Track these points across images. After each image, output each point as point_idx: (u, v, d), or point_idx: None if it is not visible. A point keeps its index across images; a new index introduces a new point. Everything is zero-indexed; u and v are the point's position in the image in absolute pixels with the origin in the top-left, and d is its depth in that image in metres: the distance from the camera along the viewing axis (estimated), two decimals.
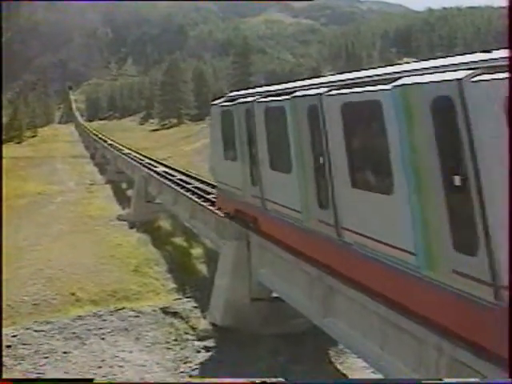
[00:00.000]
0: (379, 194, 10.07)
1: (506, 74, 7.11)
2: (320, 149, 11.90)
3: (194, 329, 19.27)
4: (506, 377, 7.12)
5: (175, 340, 18.65)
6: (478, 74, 7.63)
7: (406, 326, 9.83)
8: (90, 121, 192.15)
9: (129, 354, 17.77)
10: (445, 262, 8.46)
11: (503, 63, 7.35)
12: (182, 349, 18.02)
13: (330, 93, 11.44)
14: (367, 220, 10.61)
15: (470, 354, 8.30)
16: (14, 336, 18.60)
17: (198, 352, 17.59)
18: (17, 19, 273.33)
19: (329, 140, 11.51)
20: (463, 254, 8.07)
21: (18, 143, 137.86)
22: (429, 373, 9.19)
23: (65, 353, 17.74)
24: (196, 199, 24.97)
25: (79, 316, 20.35)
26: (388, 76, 9.69)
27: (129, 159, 51.79)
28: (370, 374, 14.76)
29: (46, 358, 17.41)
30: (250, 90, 17.53)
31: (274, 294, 17.58)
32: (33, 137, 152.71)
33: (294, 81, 14.52)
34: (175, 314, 20.59)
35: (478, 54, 8.33)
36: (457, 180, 7.98)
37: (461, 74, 7.81)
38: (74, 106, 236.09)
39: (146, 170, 40.50)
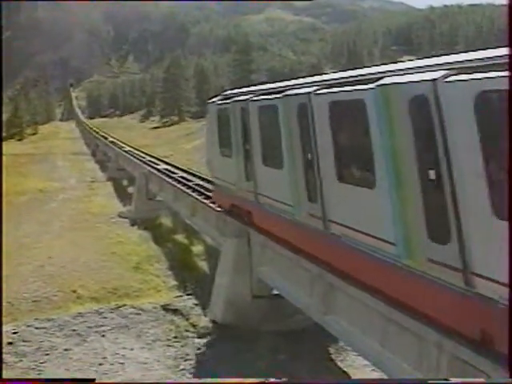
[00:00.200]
0: (363, 188, 10.58)
1: (477, 75, 7.59)
2: (309, 145, 12.43)
3: (194, 326, 19.27)
4: (506, 377, 7.16)
5: (176, 337, 18.66)
6: (452, 75, 8.11)
7: (406, 323, 9.83)
8: (91, 118, 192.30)
9: (129, 351, 17.77)
10: (421, 251, 9.01)
11: (477, 64, 7.83)
12: (182, 346, 18.02)
13: (319, 92, 11.94)
14: (352, 213, 11.18)
15: (471, 351, 8.35)
16: (15, 333, 18.59)
17: (199, 349, 17.59)
18: (18, 17, 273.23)
19: (317, 137, 12.03)
20: (437, 243, 8.61)
21: (19, 140, 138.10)
22: (430, 370, 9.19)
23: (65, 350, 17.73)
24: (197, 196, 24.97)
25: (80, 313, 20.33)
26: (372, 76, 10.13)
27: (130, 156, 51.80)
28: (370, 372, 14.80)
29: (47, 355, 17.41)
30: (245, 89, 17.96)
31: (275, 292, 17.58)
32: (34, 134, 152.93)
33: (289, 79, 14.87)
34: (176, 312, 20.59)
35: (456, 55, 8.78)
36: (431, 175, 8.48)
37: (436, 75, 8.31)
38: (74, 103, 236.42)
39: (147, 167, 40.52)
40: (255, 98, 15.89)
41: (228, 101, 18.12)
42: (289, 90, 13.58)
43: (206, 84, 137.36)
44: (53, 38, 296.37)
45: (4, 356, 16.81)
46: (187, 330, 19.04)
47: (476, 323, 8.27)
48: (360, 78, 10.74)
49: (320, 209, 12.26)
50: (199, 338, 18.34)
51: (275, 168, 14.69)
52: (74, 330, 19.09)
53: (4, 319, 19.02)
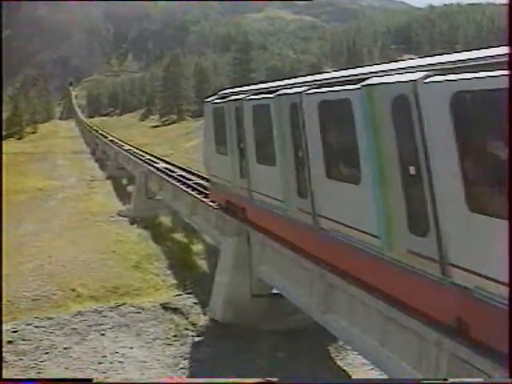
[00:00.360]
0: (349, 184, 11.12)
1: (452, 76, 8.05)
2: (300, 143, 12.97)
3: (194, 325, 19.29)
4: (506, 377, 7.20)
5: (175, 336, 18.68)
6: (431, 76, 8.56)
7: (405, 322, 9.85)
8: (91, 117, 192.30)
9: (129, 349, 17.79)
10: (401, 243, 9.49)
11: (456, 65, 8.28)
12: (182, 345, 18.04)
13: (309, 91, 12.46)
14: (339, 208, 11.74)
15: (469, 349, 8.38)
16: (15, 332, 18.61)
17: (198, 348, 17.60)
18: (18, 15, 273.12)
19: (307, 135, 12.57)
20: (416, 235, 9.09)
21: (19, 139, 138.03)
22: (429, 369, 9.21)
23: (65, 349, 17.76)
24: (196, 195, 24.98)
25: (80, 312, 20.35)
26: (359, 76, 10.58)
27: (129, 155, 51.80)
28: (369, 371, 14.82)
29: (47, 353, 17.43)
30: (240, 88, 18.57)
31: (275, 291, 17.59)
32: (33, 133, 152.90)
33: (288, 78, 15.23)
34: (175, 310, 20.61)
35: (439, 56, 9.26)
36: (411, 171, 8.97)
37: (416, 76, 8.79)
38: (74, 101, 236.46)
39: (147, 166, 40.52)
40: (249, 98, 16.38)
41: (223, 100, 18.68)
42: (281, 89, 14.03)
43: (206, 83, 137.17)
44: (52, 36, 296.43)
45: (4, 355, 16.85)
46: (187, 329, 19.06)
47: (452, 311, 8.74)
48: (348, 78, 11.18)
49: (310, 204, 12.76)
50: (199, 336, 18.37)
51: (268, 165, 15.21)
52: (74, 329, 19.11)
53: (4, 318, 19.05)
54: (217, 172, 20.44)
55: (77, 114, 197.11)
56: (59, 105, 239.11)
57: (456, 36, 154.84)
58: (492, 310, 7.78)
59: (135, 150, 59.90)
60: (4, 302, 20.56)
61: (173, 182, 30.70)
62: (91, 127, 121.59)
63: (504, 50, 7.49)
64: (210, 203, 22.19)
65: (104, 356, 17.29)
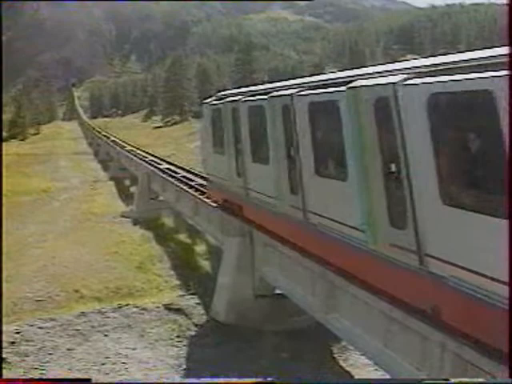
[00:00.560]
0: (336, 181, 11.68)
1: (428, 79, 8.60)
2: (292, 142, 13.54)
3: (197, 325, 19.29)
4: (506, 377, 7.25)
5: (178, 337, 18.68)
6: (410, 78, 9.07)
7: (409, 322, 9.86)
8: (94, 118, 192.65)
9: (132, 350, 17.79)
10: (384, 236, 9.99)
11: (434, 69, 8.80)
12: (185, 346, 18.04)
13: (300, 93, 13.04)
14: (328, 203, 12.27)
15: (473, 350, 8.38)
16: (18, 332, 18.60)
17: (202, 349, 17.61)
18: (20, 17, 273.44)
19: (298, 135, 13.12)
20: (396, 228, 9.60)
21: (22, 140, 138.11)
22: (432, 369, 9.21)
23: (68, 349, 17.76)
24: (199, 196, 24.99)
25: (83, 313, 20.34)
26: (346, 79, 11.10)
27: (132, 156, 51.84)
28: (372, 371, 14.81)
29: (50, 354, 17.43)
30: (237, 90, 19.40)
31: (278, 291, 17.61)
32: (36, 134, 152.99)
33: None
34: (179, 311, 20.60)
35: (423, 59, 10.01)
36: (392, 168, 9.49)
37: (396, 79, 9.30)
38: (77, 103, 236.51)
39: (150, 166, 40.55)
40: (245, 99, 16.88)
41: (221, 101, 19.16)
42: (274, 91, 14.57)
43: (208, 84, 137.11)
44: (55, 38, 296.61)
45: (7, 356, 16.84)
46: (190, 330, 19.06)
47: (428, 298, 9.22)
48: (336, 80, 11.71)
49: (300, 200, 13.33)
50: (202, 337, 18.37)
51: (262, 164, 15.77)
52: (77, 330, 19.11)
53: (7, 319, 19.06)
54: (215, 171, 21.00)
55: (79, 115, 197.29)
56: (62, 106, 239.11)
57: (458, 36, 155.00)
58: (464, 297, 8.27)
59: (138, 150, 59.94)
60: (7, 303, 20.57)
61: (176, 182, 30.71)
62: (94, 128, 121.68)
63: (479, 53, 8.07)
64: (209, 201, 22.55)
65: (107, 357, 17.30)
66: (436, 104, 8.48)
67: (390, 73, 9.79)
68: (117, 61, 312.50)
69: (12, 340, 17.97)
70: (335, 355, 17.14)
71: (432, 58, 9.54)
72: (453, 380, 8.18)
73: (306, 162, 12.93)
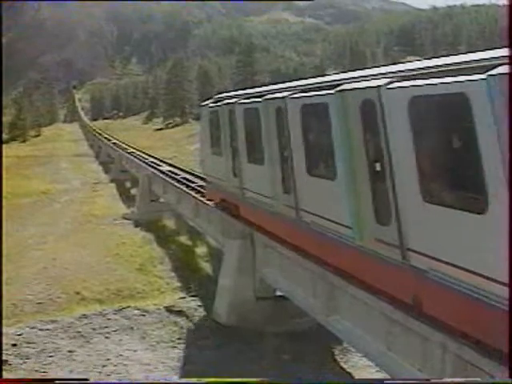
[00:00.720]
0: (326, 180, 12.29)
1: (409, 82, 9.17)
2: (285, 143, 14.23)
3: (198, 327, 19.27)
4: (506, 377, 7.24)
5: (179, 339, 18.66)
6: (393, 82, 9.62)
7: (410, 324, 9.85)
8: (95, 120, 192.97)
9: (133, 352, 17.77)
10: (370, 232, 10.61)
11: (415, 73, 9.34)
12: (186, 348, 18.02)
13: (292, 96, 13.69)
14: (318, 202, 12.98)
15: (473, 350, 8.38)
16: (19, 335, 18.59)
17: (203, 351, 17.59)
18: (21, 18, 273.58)
19: (291, 136, 13.77)
20: (381, 225, 10.21)
21: (23, 142, 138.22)
22: (434, 371, 9.19)
23: (69, 351, 17.73)
24: (200, 198, 24.99)
25: (84, 315, 20.32)
26: (336, 82, 11.71)
27: (133, 158, 51.86)
28: (373, 373, 14.78)
29: (51, 356, 17.41)
30: (234, 93, 20.05)
31: (279, 293, 17.61)
32: (37, 136, 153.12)
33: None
34: (180, 313, 20.58)
35: (408, 63, 10.74)
36: (377, 167, 10.09)
37: (380, 82, 9.87)
38: (78, 105, 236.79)
39: (150, 168, 40.56)
40: (241, 102, 17.57)
41: (218, 104, 19.95)
42: (269, 94, 15.32)
43: (210, 85, 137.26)
44: (56, 39, 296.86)
45: (8, 358, 16.83)
46: (191, 332, 19.04)
47: (410, 290, 9.79)
48: (327, 84, 12.27)
49: (293, 199, 13.99)
50: (203, 339, 18.35)
51: (257, 164, 16.51)
52: (78, 332, 19.09)
53: (8, 321, 19.05)
54: (212, 172, 21.85)
55: (80, 117, 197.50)
56: (63, 108, 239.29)
57: (459, 37, 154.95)
58: (442, 288, 8.86)
59: (139, 152, 60.00)
60: (8, 305, 20.57)
61: (176, 184, 30.72)
62: (95, 130, 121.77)
63: (461, 57, 8.61)
64: (210, 204, 22.94)
65: (108, 359, 17.28)
66: (416, 106, 8.99)
67: (376, 77, 10.34)
68: (118, 63, 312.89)
69: (13, 342, 17.95)
70: (336, 357, 17.12)
71: (415, 62, 10.32)
72: (449, 380, 8.43)
73: (298, 162, 13.55)
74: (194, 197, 25.95)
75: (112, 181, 56.85)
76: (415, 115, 9.03)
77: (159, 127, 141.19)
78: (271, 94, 15.18)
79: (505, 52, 7.61)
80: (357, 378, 16.01)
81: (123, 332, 19.25)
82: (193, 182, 30.30)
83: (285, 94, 14.11)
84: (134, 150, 62.24)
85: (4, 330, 17.79)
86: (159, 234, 32.11)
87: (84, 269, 25.13)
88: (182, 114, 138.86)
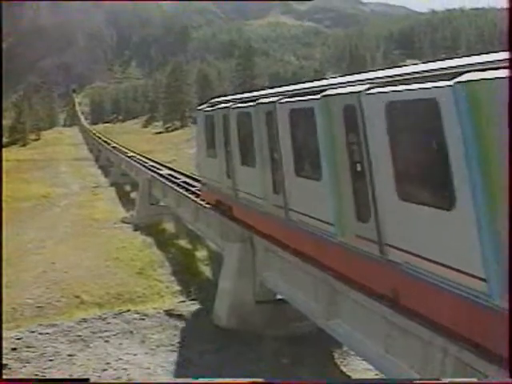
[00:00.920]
0: (312, 181, 13.00)
1: (387, 88, 9.78)
2: (275, 146, 14.92)
3: (197, 331, 19.24)
4: (506, 376, 7.28)
5: (179, 343, 18.63)
6: (372, 88, 10.23)
7: (410, 328, 9.84)
8: (94, 124, 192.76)
9: (133, 356, 17.73)
10: (350, 229, 11.31)
11: (393, 79, 9.93)
12: (186, 351, 17.99)
13: (281, 101, 14.41)
14: (305, 201, 13.72)
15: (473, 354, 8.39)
16: (19, 339, 18.55)
17: (203, 355, 17.56)
18: (20, 22, 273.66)
19: (280, 139, 14.50)
20: (361, 222, 10.87)
21: (22, 146, 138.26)
22: (433, 375, 9.18)
23: (69, 355, 17.68)
24: (200, 201, 24.97)
25: (84, 319, 20.28)
26: (323, 88, 12.39)
27: (133, 162, 51.87)
28: (373, 376, 14.76)
29: (51, 360, 17.37)
30: (228, 97, 20.86)
31: (279, 296, 17.60)
32: (37, 140, 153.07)
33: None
34: (180, 317, 20.56)
35: (384, 70, 11.17)
36: (358, 168, 10.77)
37: (361, 88, 10.52)
38: (78, 108, 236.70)
39: (150, 172, 40.57)
40: (234, 106, 18.32)
41: (213, 108, 20.79)
42: (261, 99, 15.94)
43: (209, 89, 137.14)
44: (55, 43, 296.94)
45: (8, 362, 16.80)
46: (191, 335, 19.01)
47: (388, 283, 10.39)
48: (314, 89, 12.88)
49: (282, 200, 14.71)
50: (203, 343, 18.32)
51: (249, 167, 17.26)
52: (78, 336, 19.05)
53: (8, 325, 19.03)
54: (207, 174, 22.65)
55: (80, 121, 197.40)
56: (62, 112, 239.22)
57: (458, 41, 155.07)
58: (416, 281, 9.48)
59: (138, 156, 60.00)
60: (8, 309, 20.57)
61: (176, 188, 30.72)
62: (94, 134, 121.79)
63: (435, 65, 9.25)
64: (206, 205, 23.47)
65: (108, 363, 17.24)
66: (393, 111, 9.63)
67: (358, 82, 10.98)
68: (117, 67, 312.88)
69: (13, 346, 17.93)
70: (336, 360, 17.10)
71: (395, 68, 10.80)
72: (445, 380, 8.55)
73: (286, 163, 14.27)
74: (193, 200, 25.93)
75: (112, 184, 56.94)
76: (391, 119, 9.65)
77: (159, 131, 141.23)
78: (263, 98, 15.82)
79: (477, 59, 8.34)
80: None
81: (123, 336, 19.22)
82: (192, 186, 30.27)
83: (274, 98, 14.83)
84: (133, 154, 62.23)
85: (4, 333, 17.75)
86: (159, 237, 32.13)
87: (84, 273, 25.15)
88: (182, 117, 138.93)
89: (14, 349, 17.82)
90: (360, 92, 10.43)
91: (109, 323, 20.08)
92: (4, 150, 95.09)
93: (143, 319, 20.38)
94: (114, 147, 74.89)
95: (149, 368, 16.96)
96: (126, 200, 46.75)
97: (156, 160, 55.92)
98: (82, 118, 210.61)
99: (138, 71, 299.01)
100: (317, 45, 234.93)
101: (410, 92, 9.13)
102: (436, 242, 8.97)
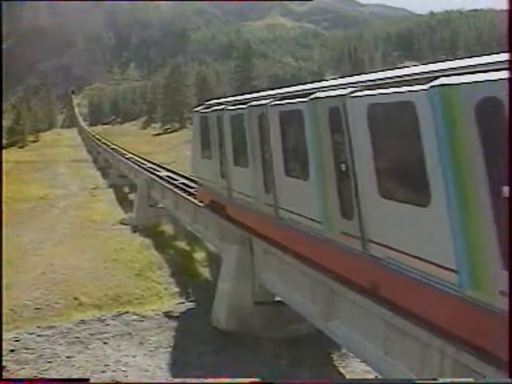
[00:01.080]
0: (301, 180, 13.57)
1: (368, 92, 10.40)
2: (266, 147, 15.54)
3: (197, 333, 19.23)
4: (506, 376, 7.33)
5: (178, 344, 18.61)
6: (356, 91, 10.79)
7: (409, 329, 9.85)
8: (93, 125, 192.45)
9: (132, 358, 17.73)
10: (336, 225, 11.89)
11: (375, 83, 10.54)
12: (185, 353, 17.98)
13: (272, 103, 15.06)
14: (294, 200, 14.31)
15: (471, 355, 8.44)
16: (17, 340, 18.55)
17: (201, 356, 17.55)
18: (19, 24, 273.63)
19: (271, 140, 15.11)
20: (346, 219, 11.46)
21: (21, 147, 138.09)
22: (432, 376, 9.19)
23: (68, 357, 17.68)
24: (198, 203, 24.97)
25: (82, 320, 20.29)
26: (311, 90, 12.93)
27: (131, 163, 51.82)
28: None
29: (50, 362, 17.37)
30: (222, 100, 21.25)
31: (277, 298, 17.59)
32: (35, 141, 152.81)
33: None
34: (178, 318, 20.54)
35: (373, 73, 11.55)
36: (343, 168, 11.36)
37: (345, 91, 11.11)
38: (76, 110, 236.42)
39: (149, 174, 40.55)
40: (228, 108, 18.95)
41: (208, 110, 21.35)
42: (253, 101, 16.58)
43: (208, 91, 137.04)
44: (54, 45, 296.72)
45: (6, 363, 16.79)
46: (189, 337, 19.00)
47: (369, 276, 11.01)
48: (302, 92, 13.54)
49: (273, 199, 15.32)
50: (201, 344, 18.31)
51: (242, 167, 17.87)
52: (77, 338, 19.05)
53: (6, 327, 18.99)
54: (202, 175, 23.25)
55: (79, 123, 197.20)
56: (61, 113, 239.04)
57: (457, 42, 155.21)
58: (396, 274, 10.00)
59: (137, 158, 59.95)
60: (6, 311, 20.53)
61: (175, 190, 30.70)
62: (93, 135, 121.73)
63: (417, 68, 9.87)
64: (201, 204, 24.00)
65: (107, 365, 17.24)
66: (374, 113, 10.22)
67: (344, 86, 11.55)
68: (116, 68, 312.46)
69: (11, 348, 17.92)
70: (335, 362, 17.10)
71: (379, 73, 11.27)
72: (442, 380, 8.72)
73: (277, 164, 14.90)
74: (192, 202, 25.92)
75: (110, 186, 56.84)
76: (372, 121, 10.25)
77: (157, 132, 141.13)
78: (255, 101, 16.47)
79: (457, 63, 8.85)
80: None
81: (122, 338, 19.21)
82: (191, 188, 30.25)
83: (265, 101, 15.50)
84: (132, 156, 62.18)
85: (3, 335, 17.74)
86: (158, 239, 32.09)
87: (82, 274, 25.12)
88: (181, 119, 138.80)
89: (12, 350, 17.81)
90: (344, 95, 11.02)
91: (107, 325, 20.09)
92: (3, 151, 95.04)
93: (142, 321, 20.39)
94: (112, 149, 74.85)
95: (147, 370, 16.96)
96: (124, 202, 46.70)
97: (155, 161, 55.89)
98: (81, 119, 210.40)
99: (136, 73, 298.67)
100: (315, 46, 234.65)
101: (389, 95, 9.70)
102: (413, 236, 9.49)
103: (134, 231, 34.12)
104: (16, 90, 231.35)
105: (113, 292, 23.23)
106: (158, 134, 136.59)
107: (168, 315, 20.80)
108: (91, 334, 19.33)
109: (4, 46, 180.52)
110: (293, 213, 14.22)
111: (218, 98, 22.50)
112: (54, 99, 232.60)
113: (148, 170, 43.67)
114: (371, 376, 14.63)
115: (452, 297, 8.63)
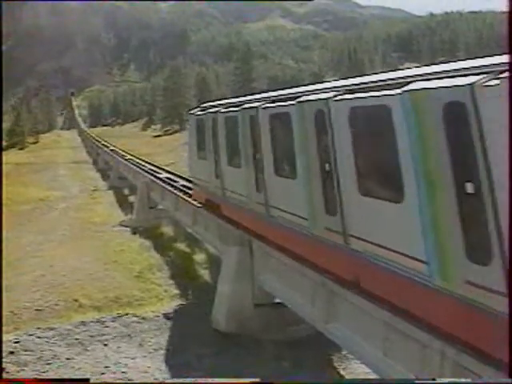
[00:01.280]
0: (289, 180, 14.26)
1: (349, 95, 11.08)
2: (258, 148, 16.24)
3: (196, 335, 19.21)
4: (505, 377, 7.37)
5: (178, 346, 18.60)
6: (339, 95, 11.46)
7: (408, 331, 9.85)
8: (93, 127, 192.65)
9: (132, 360, 17.73)
10: (321, 222, 12.58)
11: (357, 87, 11.19)
12: (185, 355, 17.97)
13: (263, 106, 15.72)
14: (283, 199, 14.91)
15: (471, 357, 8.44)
16: (17, 342, 18.54)
17: (201, 359, 17.54)
18: (19, 26, 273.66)
19: (262, 141, 15.85)
20: (329, 215, 12.11)
21: (21, 149, 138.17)
22: (431, 376, 9.19)
23: (67, 359, 17.67)
24: (198, 205, 24.96)
25: (82, 322, 20.27)
26: (300, 94, 13.57)
27: (131, 165, 51.81)
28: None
29: (49, 364, 17.36)
30: (218, 102, 22.01)
31: (277, 300, 17.58)
32: (35, 143, 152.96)
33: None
34: (178, 320, 20.52)
35: (352, 78, 12.41)
36: (327, 168, 12.02)
37: (329, 95, 11.76)
38: (76, 112, 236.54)
39: (149, 176, 40.53)
40: (222, 110, 19.57)
41: (203, 112, 21.98)
42: (245, 104, 17.18)
43: (207, 92, 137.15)
44: (54, 47, 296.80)
45: (6, 365, 16.78)
46: (189, 339, 18.99)
47: (350, 269, 11.73)
48: (291, 95, 14.13)
49: (263, 197, 16.01)
50: (201, 346, 18.29)
51: (235, 167, 18.50)
52: (76, 339, 19.03)
53: (6, 328, 18.96)
54: (198, 174, 23.90)
55: (78, 124, 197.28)
56: (61, 115, 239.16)
57: (457, 44, 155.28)
58: (374, 267, 10.65)
59: (137, 159, 59.95)
60: (6, 313, 20.50)
61: (175, 191, 30.69)
62: (93, 137, 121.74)
63: (396, 73, 10.49)
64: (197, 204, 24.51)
65: (106, 366, 17.23)
66: (354, 116, 10.91)
67: (329, 89, 12.13)
68: (116, 70, 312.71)
69: (11, 349, 17.91)
70: (335, 364, 17.08)
71: (363, 77, 12.04)
72: (440, 380, 8.76)
73: (267, 164, 15.59)
74: (191, 204, 25.90)
75: (110, 188, 56.82)
76: (353, 123, 10.95)
77: (157, 134, 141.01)
78: (247, 104, 17.07)
79: (428, 69, 9.45)
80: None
81: (121, 339, 19.20)
82: (191, 189, 30.23)
83: (257, 104, 16.15)
84: (132, 157, 62.20)
85: (2, 337, 17.73)
86: (157, 240, 32.08)
87: (82, 276, 25.10)
88: (181, 120, 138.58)
89: (11, 352, 17.80)
90: (328, 98, 11.68)
91: (107, 326, 20.07)
92: (3, 153, 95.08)
93: (141, 322, 20.36)
94: (112, 150, 74.84)
95: (147, 372, 16.95)
96: (124, 203, 46.69)
97: (154, 163, 55.89)
98: (81, 121, 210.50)
99: (136, 74, 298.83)
100: (315, 48, 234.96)
101: (368, 99, 10.39)
102: (389, 231, 10.19)
103: (134, 233, 34.11)
104: (16, 91, 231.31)
105: (113, 294, 23.21)
106: (158, 136, 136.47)
107: (168, 317, 20.79)
108: (91, 336, 19.31)
109: (4, 47, 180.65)
110: (282, 211, 14.89)
111: (218, 100, 22.93)
112: (53, 101, 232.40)
113: (148, 172, 43.64)
114: (371, 377, 14.63)
115: (423, 286, 9.31)
